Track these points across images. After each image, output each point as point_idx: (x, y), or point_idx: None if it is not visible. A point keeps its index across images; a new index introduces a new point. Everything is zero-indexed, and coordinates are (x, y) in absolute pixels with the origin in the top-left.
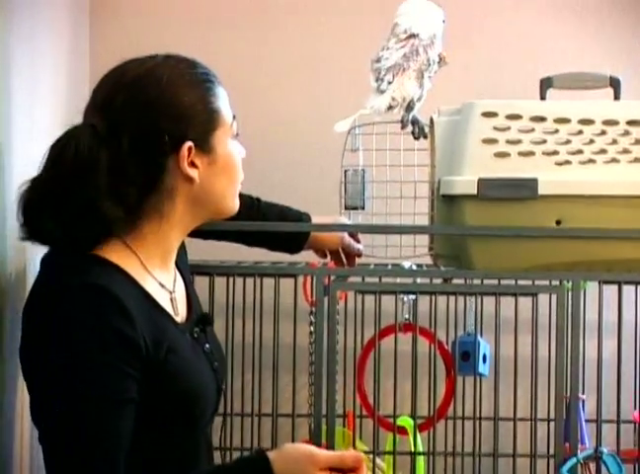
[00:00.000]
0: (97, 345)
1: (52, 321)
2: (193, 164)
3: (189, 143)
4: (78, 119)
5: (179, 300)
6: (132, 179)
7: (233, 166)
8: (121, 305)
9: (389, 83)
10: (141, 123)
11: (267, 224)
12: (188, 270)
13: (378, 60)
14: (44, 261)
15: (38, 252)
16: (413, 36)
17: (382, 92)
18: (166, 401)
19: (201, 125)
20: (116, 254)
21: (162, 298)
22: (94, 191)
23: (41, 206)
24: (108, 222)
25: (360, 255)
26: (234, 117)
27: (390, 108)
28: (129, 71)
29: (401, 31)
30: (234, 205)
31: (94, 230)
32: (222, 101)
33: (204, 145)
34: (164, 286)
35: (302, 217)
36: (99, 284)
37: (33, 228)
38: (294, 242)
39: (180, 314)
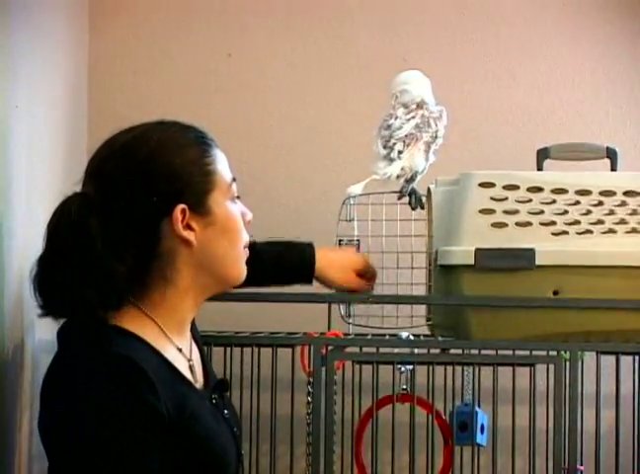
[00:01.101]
0: (123, 416)
1: (77, 393)
2: (189, 227)
3: (181, 205)
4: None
5: (197, 367)
6: (128, 244)
7: (232, 228)
8: (145, 375)
9: (399, 152)
10: (131, 187)
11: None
12: (199, 338)
13: (388, 128)
14: (61, 333)
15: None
16: (420, 106)
17: (392, 160)
18: (191, 466)
19: (196, 187)
20: (133, 322)
21: (181, 365)
22: (92, 257)
23: (49, 281)
24: (111, 285)
25: (375, 276)
26: (234, 179)
27: (398, 177)
28: (120, 137)
29: (409, 100)
30: (239, 271)
31: (102, 295)
32: (219, 163)
33: (200, 207)
34: (182, 353)
35: (306, 250)
36: (121, 354)
37: (47, 304)
38: (303, 272)
39: (199, 381)
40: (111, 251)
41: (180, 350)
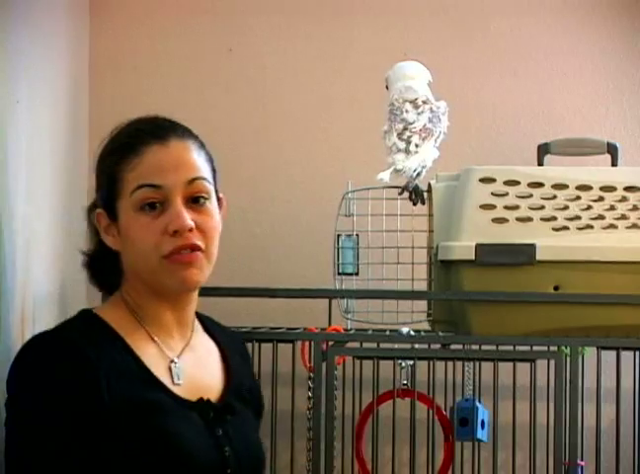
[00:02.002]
0: (43, 398)
1: (12, 370)
2: (112, 232)
3: (99, 210)
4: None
5: (187, 371)
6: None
7: (132, 238)
8: (80, 354)
9: (417, 145)
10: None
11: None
12: (242, 358)
13: (402, 121)
14: None
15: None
16: (426, 102)
17: (408, 153)
18: (140, 462)
19: (107, 193)
20: (113, 312)
21: (156, 363)
22: (89, 251)
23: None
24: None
25: None
26: (150, 186)
27: (414, 171)
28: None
29: (414, 96)
30: (162, 280)
31: (99, 281)
32: (130, 170)
33: (111, 213)
34: (163, 352)
35: None
36: (63, 336)
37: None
38: None
39: (187, 385)
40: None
41: (161, 350)
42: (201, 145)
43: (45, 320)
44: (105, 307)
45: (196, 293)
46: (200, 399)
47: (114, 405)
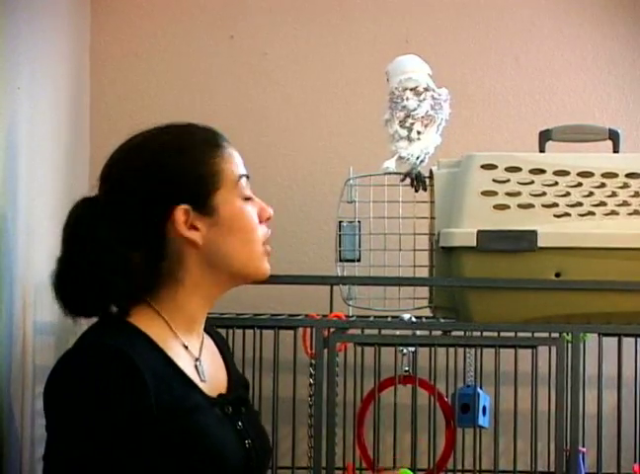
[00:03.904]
0: (96, 404)
1: (62, 376)
2: (195, 227)
3: (183, 206)
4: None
5: (206, 367)
6: (134, 245)
7: (242, 227)
8: (131, 365)
9: (419, 132)
10: (134, 190)
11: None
12: (224, 345)
13: (403, 108)
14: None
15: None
16: (427, 89)
17: (411, 140)
18: (181, 462)
19: (198, 187)
20: (142, 319)
21: (185, 363)
22: (100, 259)
23: (64, 282)
24: (119, 289)
25: None
26: (245, 176)
27: (417, 158)
28: (130, 141)
29: (415, 85)
30: (256, 268)
31: (111, 296)
32: (225, 162)
33: (203, 207)
34: (189, 351)
35: None
36: (111, 345)
37: (66, 304)
38: None
39: (209, 382)
40: (117, 254)
41: (186, 347)
42: None
43: (46, 306)
44: (133, 315)
45: None
46: (220, 395)
47: (159, 410)
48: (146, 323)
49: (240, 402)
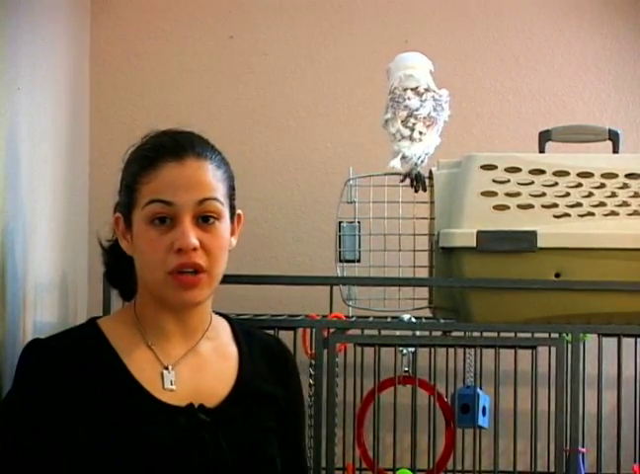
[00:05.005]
0: (20, 398)
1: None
2: (125, 237)
3: (117, 214)
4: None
5: (184, 378)
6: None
7: (142, 250)
8: (49, 358)
9: (420, 133)
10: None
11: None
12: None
13: (405, 108)
14: None
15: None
16: (428, 90)
17: (413, 140)
18: (111, 458)
19: (127, 200)
20: (116, 319)
21: (145, 369)
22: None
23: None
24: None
25: None
26: (162, 202)
27: (418, 158)
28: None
29: (416, 84)
30: (166, 295)
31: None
32: (147, 182)
33: (127, 220)
34: (158, 358)
35: None
36: (41, 341)
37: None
38: None
39: (182, 390)
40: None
41: (157, 356)
42: (220, 164)
43: (46, 306)
44: (111, 316)
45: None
46: (190, 404)
47: (86, 412)
48: (115, 325)
49: (220, 414)
